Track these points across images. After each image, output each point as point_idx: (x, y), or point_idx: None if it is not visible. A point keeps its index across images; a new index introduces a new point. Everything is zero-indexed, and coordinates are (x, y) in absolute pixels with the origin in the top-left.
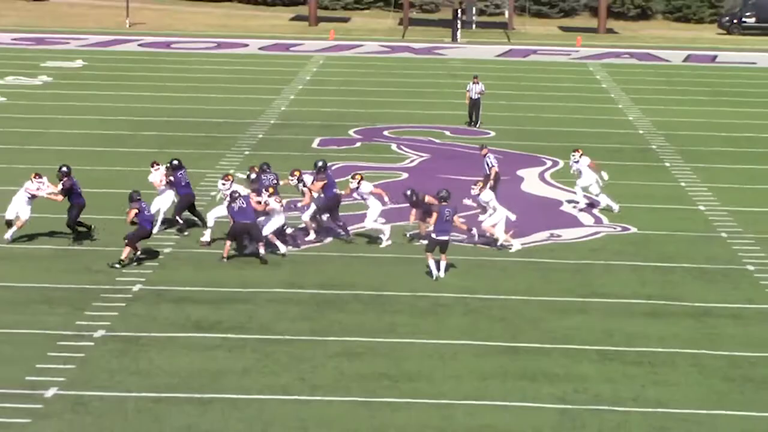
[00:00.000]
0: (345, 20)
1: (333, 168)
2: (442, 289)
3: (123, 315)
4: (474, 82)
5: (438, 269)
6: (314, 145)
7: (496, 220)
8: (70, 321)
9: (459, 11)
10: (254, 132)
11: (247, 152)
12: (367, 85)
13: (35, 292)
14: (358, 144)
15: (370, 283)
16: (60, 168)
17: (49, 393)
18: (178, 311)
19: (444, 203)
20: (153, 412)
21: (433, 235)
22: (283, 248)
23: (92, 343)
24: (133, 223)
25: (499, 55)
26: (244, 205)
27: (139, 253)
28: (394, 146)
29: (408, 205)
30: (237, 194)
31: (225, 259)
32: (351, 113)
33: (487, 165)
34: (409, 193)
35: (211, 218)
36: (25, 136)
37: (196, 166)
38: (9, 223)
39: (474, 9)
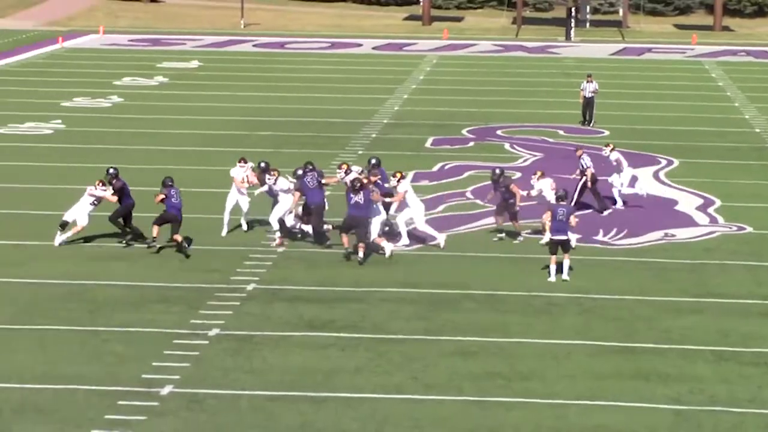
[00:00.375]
0: (458, 19)
1: (446, 167)
2: (555, 288)
3: (237, 314)
4: (588, 81)
5: (561, 271)
6: (427, 144)
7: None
8: (186, 320)
9: (573, 9)
10: (367, 131)
11: (360, 152)
12: (480, 84)
13: (151, 291)
14: (471, 143)
15: (484, 282)
16: (108, 170)
17: (165, 391)
18: (291, 310)
19: (562, 203)
20: (267, 410)
21: (551, 236)
22: (389, 249)
23: (207, 342)
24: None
25: (613, 54)
26: (362, 201)
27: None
28: (507, 146)
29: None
30: (358, 183)
31: (348, 250)
32: (464, 113)
33: (582, 166)
34: (497, 171)
35: (274, 221)
36: (141, 136)
37: None
38: (63, 225)
39: (588, 7)
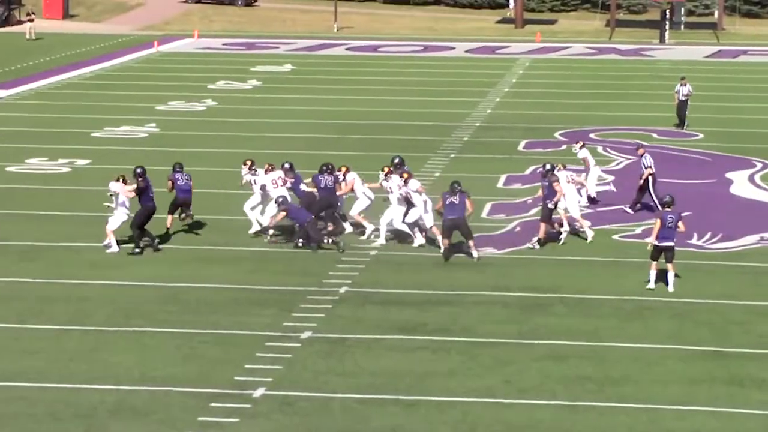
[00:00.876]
0: (551, 22)
1: (539, 171)
2: (648, 292)
3: (329, 317)
4: (681, 84)
5: (663, 280)
6: (520, 147)
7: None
8: (278, 322)
9: (667, 12)
10: (459, 135)
11: (452, 155)
12: (573, 87)
13: (245, 293)
14: (564, 147)
15: (576, 285)
16: (135, 169)
17: (258, 393)
18: (383, 313)
19: (668, 209)
20: (358, 412)
21: (656, 242)
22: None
23: (299, 345)
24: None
25: (708, 56)
26: (456, 201)
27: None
28: (600, 149)
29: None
30: (457, 187)
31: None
32: (557, 115)
33: (643, 165)
34: (548, 167)
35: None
36: (234, 139)
37: None
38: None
39: (682, 9)
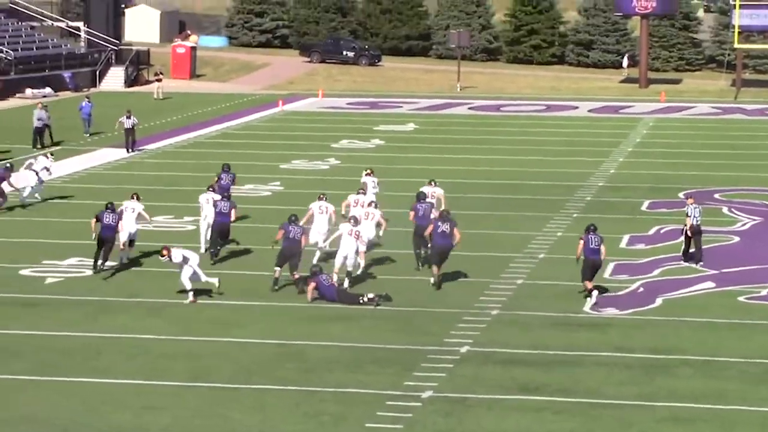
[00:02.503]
0: (676, 82)
1: (662, 231)
2: None
3: (450, 376)
4: None
5: None
6: (643, 207)
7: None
8: (399, 381)
9: None
10: (582, 194)
11: (575, 215)
12: (697, 147)
13: (365, 352)
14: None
15: (701, 347)
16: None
17: None
18: (504, 373)
19: None
20: None
21: None
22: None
23: (420, 404)
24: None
25: None
26: (447, 230)
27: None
28: (725, 209)
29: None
30: (446, 212)
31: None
32: (681, 175)
33: (686, 214)
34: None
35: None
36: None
37: (523, 229)
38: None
39: None
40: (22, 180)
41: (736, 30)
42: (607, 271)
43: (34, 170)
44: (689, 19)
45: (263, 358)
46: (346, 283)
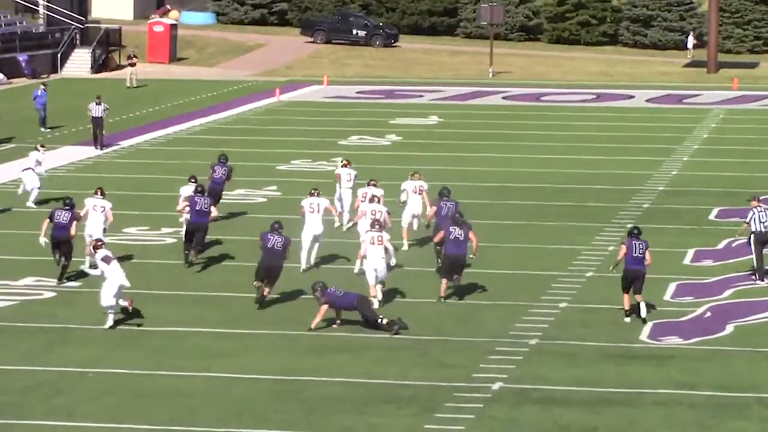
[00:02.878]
0: (752, 66)
1: (734, 245)
2: None
3: (479, 418)
4: None
5: None
6: (711, 216)
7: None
8: (418, 424)
9: None
10: (639, 201)
11: (629, 225)
12: None
13: (378, 389)
14: None
15: None
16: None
17: None
18: (544, 414)
19: None
20: None
21: None
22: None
23: None
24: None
25: None
26: (461, 236)
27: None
28: None
29: None
30: (461, 219)
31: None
32: (757, 178)
33: (748, 220)
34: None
35: None
36: None
37: (569, 242)
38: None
39: None
40: (28, 183)
41: None
42: (669, 292)
43: (30, 168)
44: None
45: (255, 397)
46: (376, 304)
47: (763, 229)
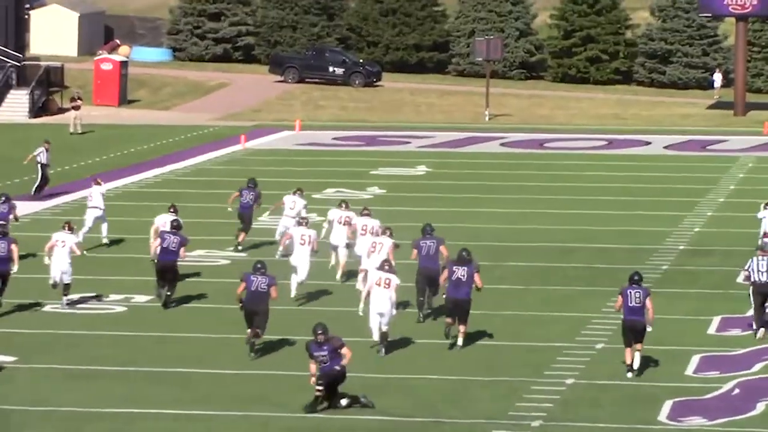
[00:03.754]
0: None
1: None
2: None
3: None
4: None
5: None
6: (739, 279)
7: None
8: None
9: None
10: (657, 262)
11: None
12: None
13: None
14: None
15: None
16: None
17: None
18: None
19: None
20: None
21: None
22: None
23: None
24: None
25: None
26: (464, 277)
27: None
28: None
29: None
30: (466, 256)
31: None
32: None
33: (746, 268)
34: None
35: None
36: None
37: (576, 309)
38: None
39: None
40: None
41: None
42: (691, 366)
43: (95, 206)
44: None
45: None
46: (383, 352)
47: (761, 279)
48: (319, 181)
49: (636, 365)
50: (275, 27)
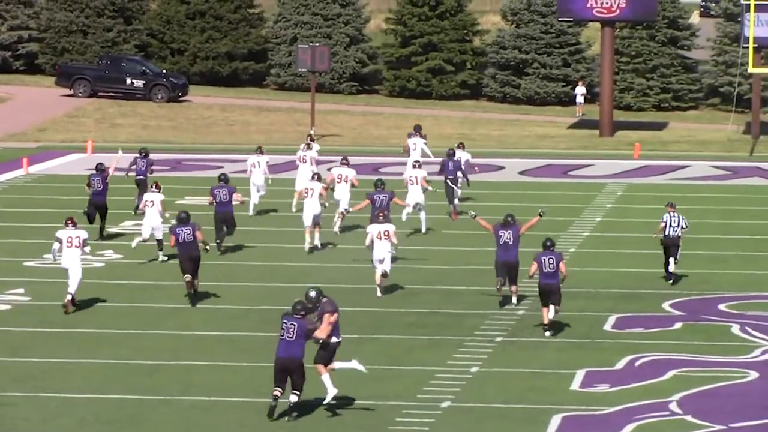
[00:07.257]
0: (659, 127)
1: (637, 363)
2: None
3: None
4: None
5: None
6: (607, 326)
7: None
8: None
9: None
10: (512, 307)
11: (498, 339)
12: (699, 229)
13: None
14: (678, 325)
15: None
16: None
17: None
18: None
19: None
20: None
21: None
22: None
23: None
24: None
25: None
26: (511, 241)
27: None
28: (736, 328)
29: None
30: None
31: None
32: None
33: (662, 221)
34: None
35: None
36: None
37: (417, 362)
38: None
39: None
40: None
41: (751, 45)
42: (551, 429)
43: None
44: (677, 27)
45: None
46: (379, 292)
47: (672, 233)
48: (115, 212)
49: (551, 316)
50: (62, 32)
